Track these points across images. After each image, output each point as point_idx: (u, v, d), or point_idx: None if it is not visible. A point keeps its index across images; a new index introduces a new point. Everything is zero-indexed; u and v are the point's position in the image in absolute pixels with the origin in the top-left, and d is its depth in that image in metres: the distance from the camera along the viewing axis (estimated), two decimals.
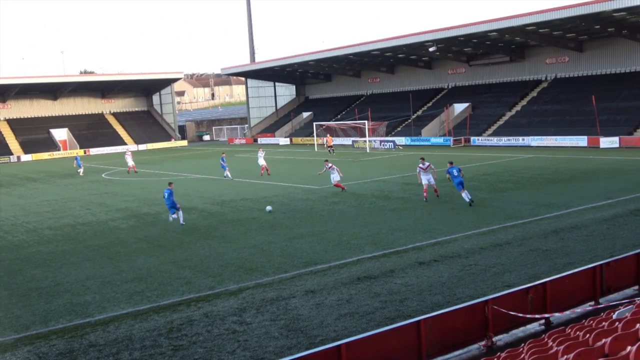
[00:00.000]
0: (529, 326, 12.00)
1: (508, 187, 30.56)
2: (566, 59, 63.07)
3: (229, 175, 40.87)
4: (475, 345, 11.26)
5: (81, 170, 51.39)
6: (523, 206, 24.84)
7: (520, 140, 56.26)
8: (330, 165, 31.87)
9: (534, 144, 54.90)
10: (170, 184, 26.22)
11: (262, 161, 42.25)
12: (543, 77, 65.35)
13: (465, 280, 15.31)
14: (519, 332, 11.79)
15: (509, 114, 63.63)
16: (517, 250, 17.97)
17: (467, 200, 25.42)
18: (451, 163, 26.53)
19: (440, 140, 63.14)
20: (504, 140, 57.83)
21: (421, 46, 65.34)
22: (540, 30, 57.88)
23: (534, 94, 64.27)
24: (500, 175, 35.31)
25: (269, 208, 27.17)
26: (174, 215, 25.39)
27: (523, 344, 8.75)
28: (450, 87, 74.53)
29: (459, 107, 68.06)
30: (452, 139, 61.49)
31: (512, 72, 68.34)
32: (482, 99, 67.89)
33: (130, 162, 50.94)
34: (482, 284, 14.92)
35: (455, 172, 25.78)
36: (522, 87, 66.31)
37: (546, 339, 8.66)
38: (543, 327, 11.97)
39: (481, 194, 28.65)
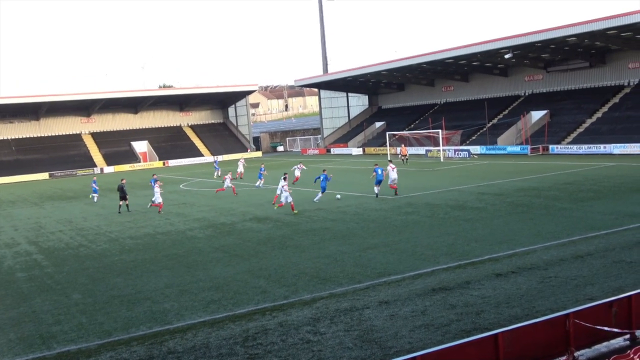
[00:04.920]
0: (612, 341, 11.51)
1: (589, 196, 29.53)
2: None
3: (260, 185, 44.38)
4: None
5: (218, 172, 58.23)
6: (605, 216, 23.95)
7: (602, 148, 54.29)
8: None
9: (616, 151, 52.86)
10: (324, 170, 35.14)
11: (298, 173, 45.58)
12: (625, 82, 62.83)
13: (544, 292, 14.86)
14: (602, 347, 11.34)
15: (589, 121, 61.53)
16: (599, 262, 17.32)
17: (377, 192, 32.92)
18: (377, 164, 33.73)
19: (517, 148, 61.68)
20: (584, 148, 55.98)
21: (496, 53, 64.22)
22: (623, 34, 55.77)
23: (616, 100, 61.91)
24: (581, 184, 34.16)
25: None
26: (320, 196, 32.82)
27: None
28: (527, 94, 72.79)
29: (537, 115, 66.32)
30: (529, 147, 59.96)
31: (593, 78, 66.08)
32: (561, 106, 65.92)
33: (241, 169, 55.28)
34: (562, 296, 14.45)
35: (380, 172, 32.79)
36: (603, 93, 64.02)
37: (632, 355, 8.32)
38: (628, 342, 11.47)
39: (561, 203, 27.81)
